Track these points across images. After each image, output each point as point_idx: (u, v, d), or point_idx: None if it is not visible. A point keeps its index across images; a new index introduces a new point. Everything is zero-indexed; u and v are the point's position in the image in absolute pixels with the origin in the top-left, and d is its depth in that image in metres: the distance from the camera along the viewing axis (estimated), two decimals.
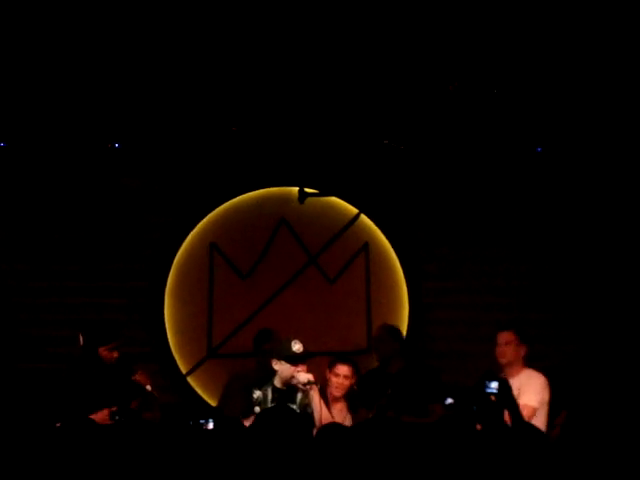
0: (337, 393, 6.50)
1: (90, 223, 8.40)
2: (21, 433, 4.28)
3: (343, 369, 6.53)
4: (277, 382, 6.07)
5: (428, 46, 6.78)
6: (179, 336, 8.35)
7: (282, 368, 6.04)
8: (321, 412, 5.91)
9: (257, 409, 5.97)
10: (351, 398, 6.58)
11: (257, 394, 6.05)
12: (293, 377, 5.99)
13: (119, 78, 7.09)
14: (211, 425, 5.30)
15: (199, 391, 8.22)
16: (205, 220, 8.48)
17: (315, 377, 6.08)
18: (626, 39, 6.57)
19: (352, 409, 6.54)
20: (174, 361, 8.28)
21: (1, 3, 6.11)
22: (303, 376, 5.97)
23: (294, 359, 5.99)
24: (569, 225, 8.40)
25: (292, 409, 5.63)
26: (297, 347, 6.02)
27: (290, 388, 6.03)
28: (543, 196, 8.43)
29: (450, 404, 5.69)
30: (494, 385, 5.47)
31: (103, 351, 6.34)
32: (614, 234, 8.28)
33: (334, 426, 4.42)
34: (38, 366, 7.91)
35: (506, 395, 5.44)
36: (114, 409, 5.93)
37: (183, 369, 8.29)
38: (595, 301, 8.25)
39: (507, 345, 6.25)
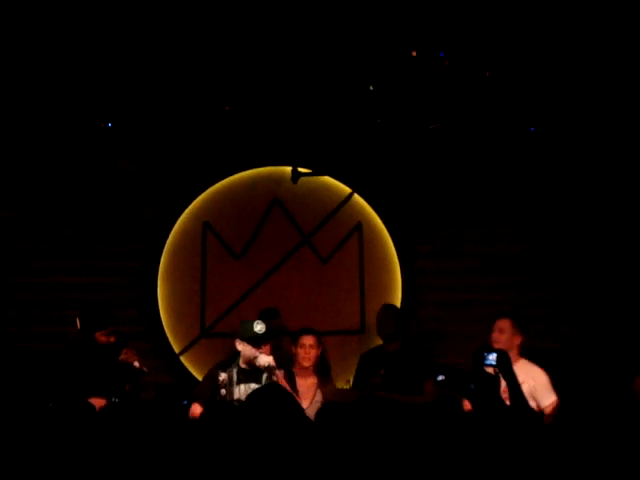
0: (306, 363, 6.54)
1: (83, 203, 8.37)
2: (16, 414, 4.28)
3: (308, 339, 6.59)
4: (241, 362, 6.04)
5: (420, 25, 6.77)
6: (172, 315, 8.35)
7: (244, 349, 6.00)
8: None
9: (223, 392, 5.96)
10: (321, 370, 6.66)
11: (222, 376, 6.02)
12: (255, 358, 5.96)
13: (112, 58, 7.06)
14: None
15: (192, 371, 8.22)
16: (198, 199, 8.46)
17: (276, 361, 6.08)
18: (620, 20, 6.56)
19: (322, 380, 6.60)
20: (167, 340, 8.28)
21: None
22: (263, 359, 5.94)
23: (256, 340, 5.96)
24: (564, 205, 8.39)
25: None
26: (259, 328, 5.97)
27: (255, 368, 5.99)
28: (537, 176, 8.42)
29: (441, 381, 5.71)
30: (492, 357, 5.47)
31: (100, 336, 6.37)
32: (611, 214, 8.27)
33: (330, 406, 4.42)
34: (32, 346, 7.91)
35: (505, 367, 5.45)
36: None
37: (176, 348, 8.29)
38: (592, 282, 8.26)
39: (501, 332, 6.24)
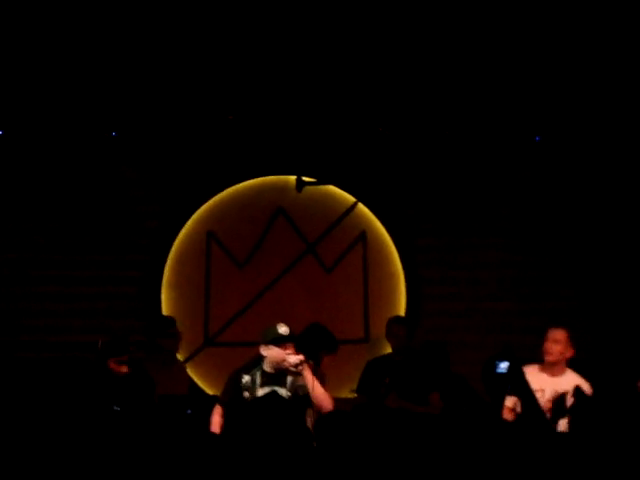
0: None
1: (86, 212, 8.38)
2: (22, 424, 4.29)
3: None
4: (266, 366, 6.02)
5: (422, 33, 6.78)
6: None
7: (270, 353, 5.97)
8: (316, 390, 5.83)
9: (246, 394, 5.95)
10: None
11: (245, 379, 6.01)
12: (284, 360, 5.94)
13: (116, 67, 7.08)
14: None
15: (196, 379, 8.21)
16: (202, 209, 8.47)
17: (305, 356, 6.04)
18: (624, 28, 6.57)
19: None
20: None
21: None
22: (293, 358, 5.90)
23: (281, 340, 5.96)
24: (566, 214, 8.39)
25: (281, 397, 5.65)
26: (283, 329, 5.96)
27: (280, 372, 5.98)
28: (541, 185, 8.42)
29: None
30: (504, 365, 5.34)
31: (113, 364, 6.46)
32: (611, 223, 8.27)
33: (334, 415, 4.42)
34: (38, 356, 7.92)
35: (517, 376, 5.28)
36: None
37: (180, 357, 8.28)
38: (592, 290, 8.25)
39: (556, 343, 5.95)
